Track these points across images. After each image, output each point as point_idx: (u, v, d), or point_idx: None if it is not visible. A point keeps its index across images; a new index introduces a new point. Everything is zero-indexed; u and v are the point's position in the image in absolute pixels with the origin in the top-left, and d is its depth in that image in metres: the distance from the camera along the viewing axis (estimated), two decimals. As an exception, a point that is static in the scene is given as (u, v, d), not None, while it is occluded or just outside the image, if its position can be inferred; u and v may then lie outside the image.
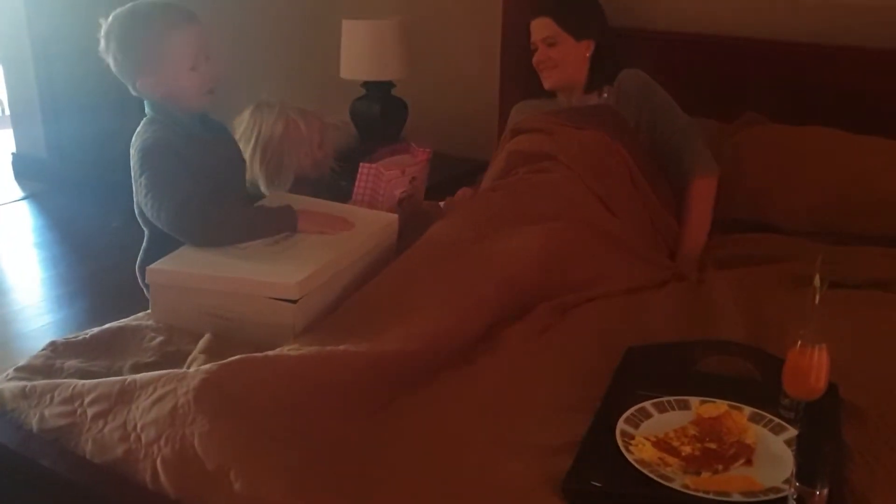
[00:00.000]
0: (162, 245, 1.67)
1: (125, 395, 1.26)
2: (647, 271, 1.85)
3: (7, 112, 4.42)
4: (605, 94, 2.23)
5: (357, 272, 1.69)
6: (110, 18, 1.69)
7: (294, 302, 1.51)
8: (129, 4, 1.72)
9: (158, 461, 1.18)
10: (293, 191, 2.05)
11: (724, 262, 1.97)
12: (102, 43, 1.70)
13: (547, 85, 2.24)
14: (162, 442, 1.18)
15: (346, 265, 1.66)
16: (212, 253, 1.62)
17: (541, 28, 2.20)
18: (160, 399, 1.22)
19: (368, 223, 1.80)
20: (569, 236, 1.79)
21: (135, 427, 1.22)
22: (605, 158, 2.01)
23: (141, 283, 1.78)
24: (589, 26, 2.21)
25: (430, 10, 3.09)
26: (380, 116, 2.87)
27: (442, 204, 2.19)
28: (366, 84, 2.89)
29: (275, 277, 1.54)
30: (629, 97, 2.19)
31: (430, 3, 3.09)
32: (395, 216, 1.85)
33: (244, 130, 2.10)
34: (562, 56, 2.19)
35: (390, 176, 1.93)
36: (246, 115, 2.11)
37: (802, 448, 1.00)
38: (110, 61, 1.70)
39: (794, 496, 0.98)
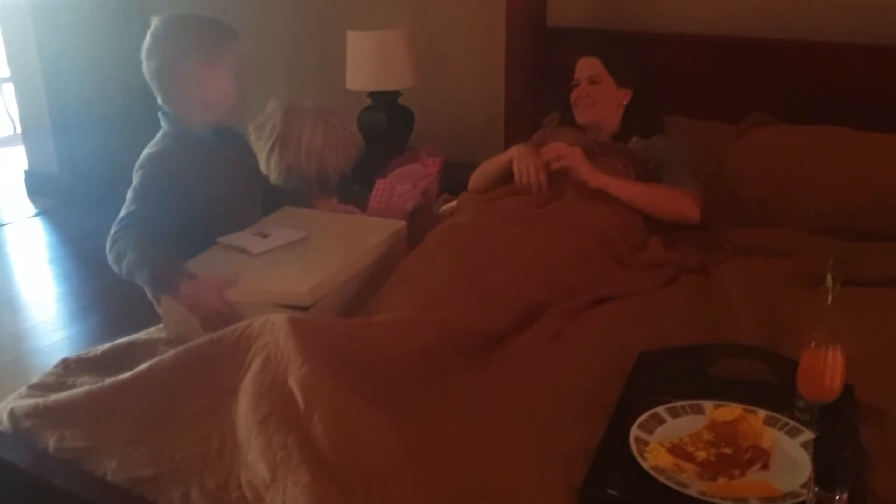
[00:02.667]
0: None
1: (161, 426, 1.28)
2: (648, 277, 1.84)
3: (19, 130, 4.46)
4: (635, 139, 2.25)
5: (365, 278, 1.70)
6: (161, 21, 1.73)
7: (306, 309, 1.51)
8: (176, 14, 1.76)
9: (195, 490, 1.19)
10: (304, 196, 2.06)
11: (736, 248, 1.97)
12: (149, 42, 1.73)
13: (580, 120, 2.29)
14: (206, 474, 1.20)
15: (355, 272, 1.67)
16: (220, 262, 1.63)
17: (587, 66, 2.28)
18: (206, 437, 1.24)
19: (377, 230, 1.81)
20: (568, 246, 1.80)
21: (171, 456, 1.24)
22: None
23: (149, 295, 1.79)
24: (630, 76, 2.28)
25: (434, 19, 3.10)
26: (386, 126, 2.87)
27: (455, 204, 2.20)
28: (372, 94, 2.90)
29: (285, 285, 1.55)
30: (654, 146, 2.23)
31: (435, 13, 3.10)
32: (403, 223, 1.87)
33: (279, 135, 2.11)
34: (601, 96, 2.26)
35: (402, 191, 1.97)
36: (278, 118, 2.12)
37: (820, 452, 0.99)
38: (155, 62, 1.73)
39: (814, 501, 0.96)
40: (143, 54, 1.74)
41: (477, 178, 2.29)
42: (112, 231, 1.62)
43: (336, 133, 2.12)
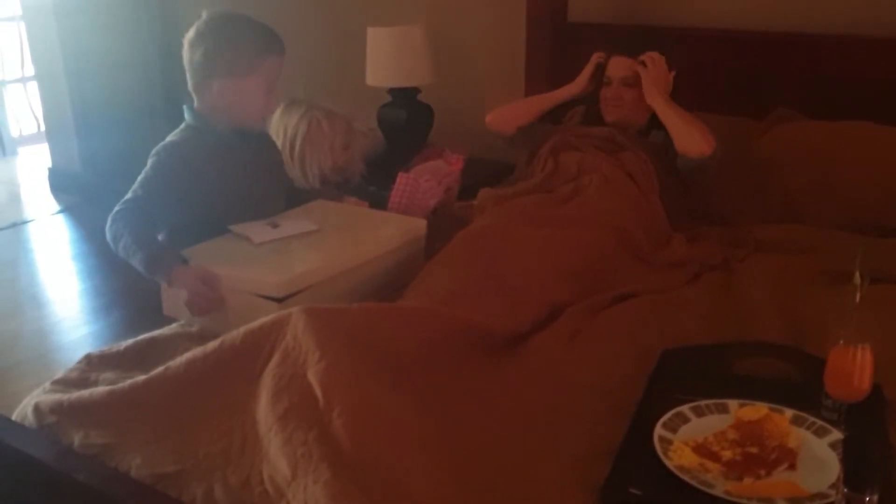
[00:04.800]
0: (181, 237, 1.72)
1: (183, 423, 1.28)
2: (671, 276, 1.82)
3: (43, 128, 4.50)
4: (654, 132, 2.25)
5: (369, 275, 1.69)
6: (210, 15, 1.74)
7: (279, 300, 1.51)
8: (228, 11, 1.77)
9: (218, 486, 1.19)
10: (321, 194, 2.06)
11: (760, 244, 1.94)
12: (192, 33, 1.74)
13: (609, 118, 2.29)
14: (229, 470, 1.20)
15: (347, 268, 1.65)
16: (220, 249, 1.66)
17: (622, 67, 2.26)
18: (227, 432, 1.24)
19: (396, 230, 1.81)
20: (591, 247, 1.79)
21: (195, 453, 1.24)
22: (628, 186, 2.06)
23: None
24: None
25: (453, 15, 3.09)
26: (406, 122, 2.87)
27: (475, 203, 2.19)
28: (392, 91, 2.90)
29: (261, 275, 1.56)
30: None
31: (454, 9, 3.09)
32: (424, 222, 1.86)
33: (274, 128, 2.12)
34: (633, 99, 2.24)
35: (427, 187, 1.96)
36: (277, 113, 2.14)
37: (849, 452, 0.97)
38: (191, 55, 1.74)
39: (843, 502, 0.94)
40: (187, 42, 1.75)
41: (511, 115, 2.36)
42: (113, 211, 1.65)
43: (321, 135, 2.11)
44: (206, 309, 1.56)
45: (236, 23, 1.76)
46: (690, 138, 2.09)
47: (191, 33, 1.75)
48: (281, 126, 2.14)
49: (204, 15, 1.75)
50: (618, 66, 2.26)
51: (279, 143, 2.11)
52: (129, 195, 1.69)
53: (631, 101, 2.24)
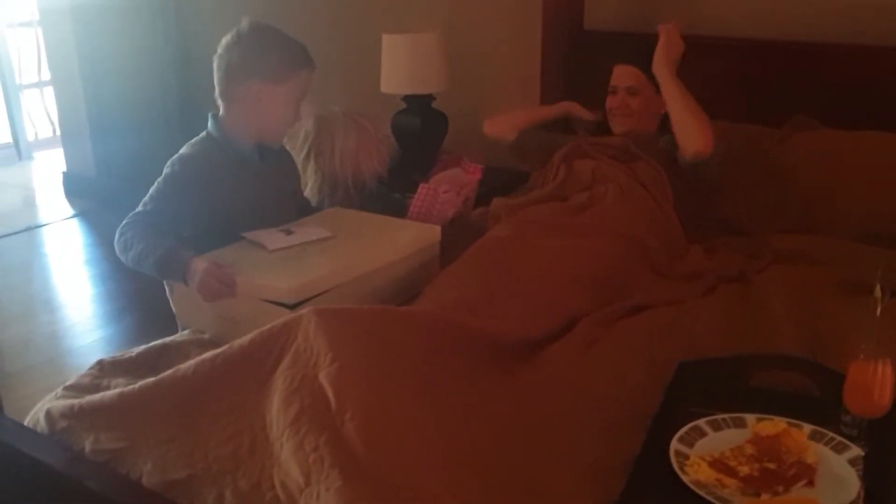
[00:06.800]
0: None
1: (193, 424, 1.28)
2: (687, 287, 1.81)
3: (58, 132, 4.54)
4: (664, 138, 2.23)
5: (386, 281, 1.69)
6: (251, 22, 1.75)
7: (291, 307, 1.51)
8: (265, 24, 1.78)
9: (228, 491, 1.19)
10: (342, 203, 2.07)
11: (778, 255, 1.92)
12: (232, 37, 1.74)
13: (617, 130, 2.27)
14: (238, 473, 1.19)
15: (360, 274, 1.65)
16: (233, 256, 1.65)
17: (627, 76, 2.24)
18: (236, 434, 1.23)
19: (410, 238, 1.80)
20: (607, 257, 1.78)
21: (204, 456, 1.23)
22: (643, 196, 2.04)
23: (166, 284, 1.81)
24: None
25: (469, 22, 3.09)
26: (420, 130, 2.86)
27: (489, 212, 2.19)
28: (406, 98, 2.90)
29: (273, 281, 1.56)
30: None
31: (470, 16, 3.09)
32: (438, 229, 1.86)
33: (313, 142, 2.12)
34: (641, 107, 2.23)
35: (446, 198, 1.97)
36: (310, 125, 2.13)
37: (870, 469, 0.95)
38: (228, 56, 1.74)
39: (863, 521, 0.93)
40: (220, 47, 1.76)
41: (507, 121, 2.36)
42: (122, 223, 1.66)
43: (369, 136, 2.13)
44: (217, 292, 1.55)
45: (278, 33, 1.78)
46: (690, 131, 2.07)
47: (229, 37, 1.74)
48: (329, 141, 2.12)
49: (245, 21, 1.76)
50: (622, 75, 2.25)
51: (326, 157, 2.11)
52: (139, 208, 1.69)
53: (638, 110, 2.22)
